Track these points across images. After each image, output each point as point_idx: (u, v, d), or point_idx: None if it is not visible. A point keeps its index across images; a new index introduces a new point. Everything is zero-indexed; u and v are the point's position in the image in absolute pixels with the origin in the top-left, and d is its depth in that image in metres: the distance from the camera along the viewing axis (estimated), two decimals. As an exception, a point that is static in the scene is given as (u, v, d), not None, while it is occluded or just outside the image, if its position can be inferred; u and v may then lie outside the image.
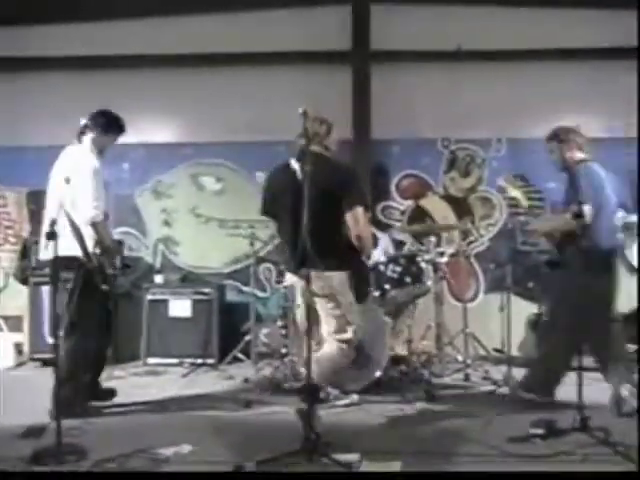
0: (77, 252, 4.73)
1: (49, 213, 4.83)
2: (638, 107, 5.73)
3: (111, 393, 5.29)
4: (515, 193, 5.25)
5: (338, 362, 4.68)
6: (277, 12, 7.35)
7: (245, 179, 7.43)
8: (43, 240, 4.88)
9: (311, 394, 4.14)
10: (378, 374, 5.32)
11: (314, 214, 4.04)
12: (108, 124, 5.12)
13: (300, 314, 4.73)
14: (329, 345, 4.66)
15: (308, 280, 4.03)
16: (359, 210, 4.52)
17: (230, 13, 7.35)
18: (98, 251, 4.83)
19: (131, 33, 7.36)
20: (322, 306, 4.59)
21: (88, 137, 5.06)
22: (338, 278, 4.55)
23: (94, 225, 4.80)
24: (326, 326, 4.65)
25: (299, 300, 4.73)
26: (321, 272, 4.39)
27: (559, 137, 4.82)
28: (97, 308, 4.95)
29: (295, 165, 4.48)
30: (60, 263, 4.65)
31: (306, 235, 3.96)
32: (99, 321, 5.00)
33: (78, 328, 4.85)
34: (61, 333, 4.54)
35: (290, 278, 4.81)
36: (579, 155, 4.84)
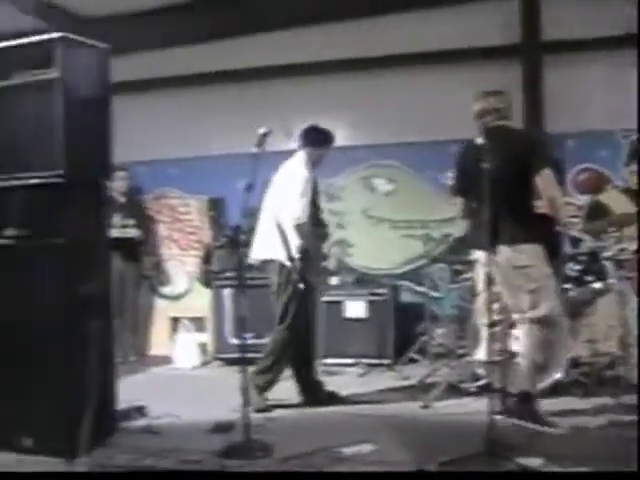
0: (279, 255, 5.14)
1: (262, 222, 5.37)
2: (638, 104, 5.14)
3: (333, 396, 5.46)
4: None
5: (538, 349, 4.45)
6: (441, 10, 7.28)
7: (417, 179, 7.44)
8: (256, 244, 5.36)
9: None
10: (558, 376, 5.15)
11: (502, 187, 4.05)
12: (318, 138, 5.41)
13: (484, 294, 4.56)
14: (523, 332, 4.50)
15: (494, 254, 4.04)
16: (548, 172, 4.41)
17: (396, 14, 7.37)
18: (298, 255, 5.12)
19: (302, 41, 7.55)
20: (512, 283, 4.45)
21: (302, 151, 5.38)
22: (531, 251, 4.43)
23: (297, 227, 5.10)
24: (518, 306, 4.50)
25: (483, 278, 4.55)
26: (513, 246, 4.37)
27: None
28: (297, 307, 5.22)
29: (480, 141, 4.29)
30: (263, 265, 5.29)
31: (496, 209, 3.97)
32: (300, 319, 5.27)
33: (282, 325, 5.20)
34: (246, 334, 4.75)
35: (478, 258, 4.69)
36: None
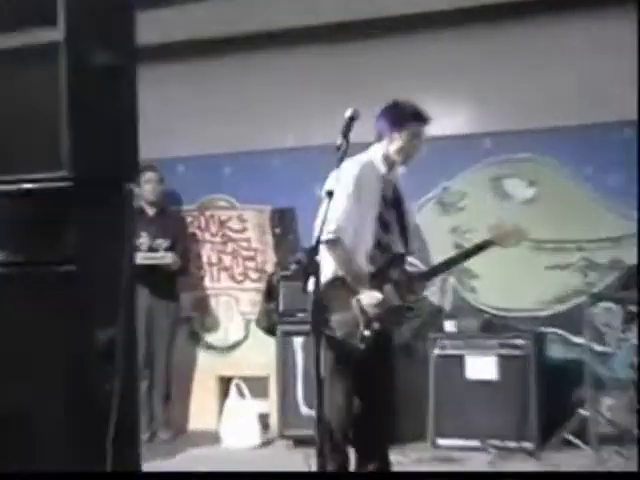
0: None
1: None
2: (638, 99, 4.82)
3: None
4: None
5: None
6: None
7: (569, 180, 7.29)
8: None
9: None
10: None
11: None
12: (404, 117, 5.09)
13: None
14: None
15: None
16: None
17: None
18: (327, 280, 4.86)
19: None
20: None
21: (379, 143, 5.13)
22: None
23: (328, 244, 4.83)
24: None
25: None
26: None
27: None
28: (335, 363, 4.96)
29: None
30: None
31: None
32: (343, 382, 4.98)
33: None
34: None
35: None
36: None
